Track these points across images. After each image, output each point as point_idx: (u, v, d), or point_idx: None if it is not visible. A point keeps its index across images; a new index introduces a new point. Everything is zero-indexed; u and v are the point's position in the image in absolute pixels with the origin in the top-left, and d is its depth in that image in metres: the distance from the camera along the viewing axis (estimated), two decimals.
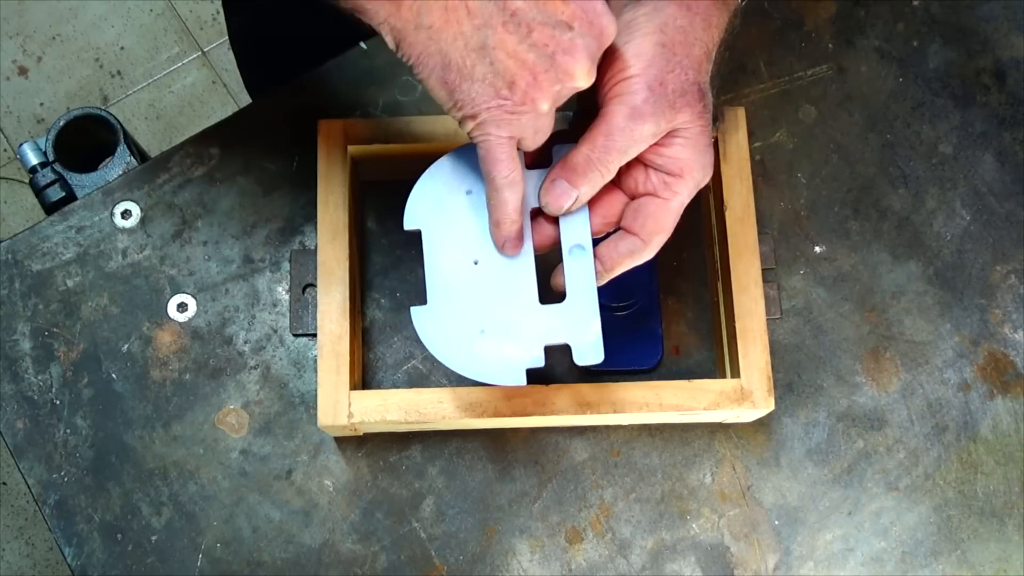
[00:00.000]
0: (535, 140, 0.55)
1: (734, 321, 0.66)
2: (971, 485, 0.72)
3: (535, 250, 0.59)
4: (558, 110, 0.55)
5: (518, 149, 0.55)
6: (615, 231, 0.60)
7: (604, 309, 0.71)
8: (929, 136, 0.78)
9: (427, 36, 0.51)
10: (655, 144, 0.56)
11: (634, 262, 0.59)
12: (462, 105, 0.53)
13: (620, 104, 0.55)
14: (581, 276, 0.59)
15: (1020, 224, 0.76)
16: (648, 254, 0.58)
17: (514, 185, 0.56)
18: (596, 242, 0.59)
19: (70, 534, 0.69)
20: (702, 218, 0.74)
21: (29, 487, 0.69)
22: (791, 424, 0.72)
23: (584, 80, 0.53)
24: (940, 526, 0.71)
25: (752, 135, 0.72)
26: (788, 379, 0.73)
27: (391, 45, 0.53)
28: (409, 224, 0.59)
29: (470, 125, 0.53)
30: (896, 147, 0.78)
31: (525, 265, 0.59)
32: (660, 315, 0.73)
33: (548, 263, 0.60)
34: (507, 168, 0.55)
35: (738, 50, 0.78)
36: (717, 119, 0.68)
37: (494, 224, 0.58)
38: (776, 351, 0.72)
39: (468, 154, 0.60)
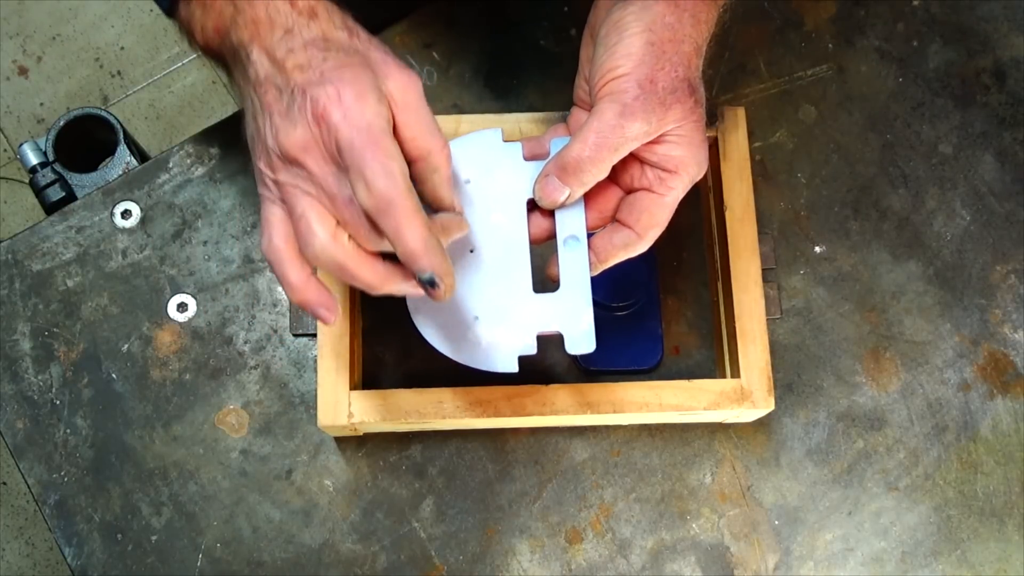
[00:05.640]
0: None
1: (734, 321, 0.66)
2: (971, 485, 0.72)
3: (531, 241, 0.60)
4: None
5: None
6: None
7: (604, 309, 0.72)
8: (929, 136, 0.78)
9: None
10: (649, 142, 0.56)
11: (628, 254, 0.59)
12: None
13: (611, 103, 0.55)
14: (575, 267, 0.59)
15: (1020, 224, 0.76)
16: (642, 247, 0.59)
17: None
18: (591, 233, 0.60)
19: (70, 534, 0.69)
20: (702, 218, 0.74)
21: (29, 487, 0.69)
22: (791, 424, 0.72)
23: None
24: (940, 526, 0.71)
25: (752, 135, 0.72)
26: (788, 379, 0.73)
27: None
28: None
29: None
30: (896, 147, 0.77)
31: (520, 254, 0.60)
32: (660, 315, 0.73)
33: (543, 253, 0.61)
34: None
35: (738, 50, 0.78)
36: (716, 118, 0.68)
37: None
38: (776, 351, 0.72)
39: (468, 144, 0.60)
